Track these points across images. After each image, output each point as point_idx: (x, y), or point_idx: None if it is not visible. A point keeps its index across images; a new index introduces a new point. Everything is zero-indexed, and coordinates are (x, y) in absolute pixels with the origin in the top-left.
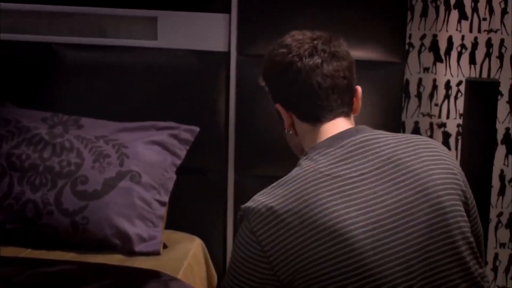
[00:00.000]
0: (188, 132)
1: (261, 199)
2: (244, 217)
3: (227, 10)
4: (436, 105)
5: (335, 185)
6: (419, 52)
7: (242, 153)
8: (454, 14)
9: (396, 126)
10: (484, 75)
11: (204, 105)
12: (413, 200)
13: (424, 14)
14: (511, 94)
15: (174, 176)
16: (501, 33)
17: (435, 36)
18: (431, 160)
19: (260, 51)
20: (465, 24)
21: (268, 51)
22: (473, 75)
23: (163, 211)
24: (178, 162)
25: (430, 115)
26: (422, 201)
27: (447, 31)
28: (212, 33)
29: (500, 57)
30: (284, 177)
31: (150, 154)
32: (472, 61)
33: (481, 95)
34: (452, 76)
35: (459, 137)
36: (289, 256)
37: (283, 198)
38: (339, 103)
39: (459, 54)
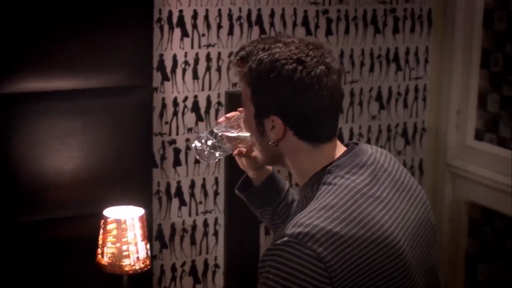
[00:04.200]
0: None
1: (317, 223)
2: (299, 244)
3: None
4: (166, 123)
5: (380, 206)
6: None
7: None
8: (177, 32)
9: (148, 149)
10: (206, 88)
11: None
12: (421, 216)
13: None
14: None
15: None
16: (218, 47)
17: (161, 55)
18: (410, 175)
19: (12, 87)
20: (187, 41)
21: (274, 61)
22: (196, 89)
23: None
24: None
25: (161, 134)
26: (425, 217)
27: (171, 49)
28: None
29: (219, 69)
30: (323, 198)
31: None
32: (195, 76)
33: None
34: (178, 93)
35: (188, 151)
36: (355, 283)
37: (342, 222)
38: (337, 124)
39: (184, 71)
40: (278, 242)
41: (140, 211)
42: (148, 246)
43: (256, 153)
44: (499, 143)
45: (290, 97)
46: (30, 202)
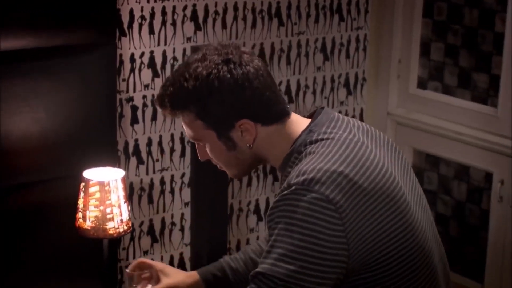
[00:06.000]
0: None
1: (320, 166)
2: (307, 190)
3: None
4: (124, 80)
5: (369, 149)
6: None
7: None
8: None
9: (113, 108)
10: (162, 43)
11: None
12: (398, 158)
13: None
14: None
15: None
16: (173, 1)
17: (118, 10)
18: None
19: None
20: None
21: (207, 77)
22: (152, 45)
23: None
24: None
25: (119, 92)
26: (402, 159)
27: (128, 3)
28: None
29: (174, 24)
30: (317, 150)
31: None
32: (151, 31)
33: None
34: (135, 48)
35: (145, 109)
36: (365, 222)
37: (343, 162)
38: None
39: (140, 26)
40: (285, 192)
41: (120, 172)
42: (129, 207)
43: (233, 173)
44: (444, 91)
45: (242, 95)
46: None
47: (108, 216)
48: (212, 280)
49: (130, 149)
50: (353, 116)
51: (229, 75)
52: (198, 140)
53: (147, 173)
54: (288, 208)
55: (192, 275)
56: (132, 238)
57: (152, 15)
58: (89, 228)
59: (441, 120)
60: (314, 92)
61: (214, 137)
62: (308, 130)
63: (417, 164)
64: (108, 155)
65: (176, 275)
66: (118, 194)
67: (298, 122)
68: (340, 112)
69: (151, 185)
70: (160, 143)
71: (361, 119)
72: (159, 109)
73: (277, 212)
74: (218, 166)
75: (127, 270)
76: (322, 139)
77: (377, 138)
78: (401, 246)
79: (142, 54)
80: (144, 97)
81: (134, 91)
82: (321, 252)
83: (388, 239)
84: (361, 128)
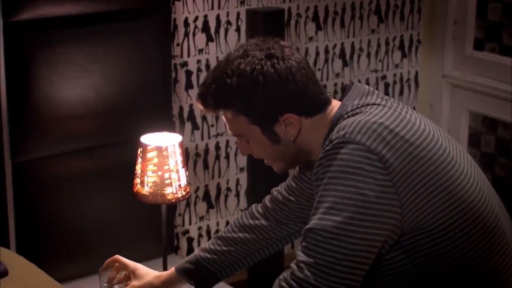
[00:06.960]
0: None
1: (360, 119)
2: (348, 142)
3: None
4: (178, 44)
5: (404, 110)
6: None
7: (19, 135)
8: None
9: (168, 73)
10: (215, 7)
11: None
12: (437, 126)
13: None
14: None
15: None
16: None
17: None
18: None
19: (32, 13)
20: None
21: (251, 73)
22: (206, 9)
23: None
24: None
25: (173, 56)
26: (440, 129)
27: None
28: None
29: None
30: (355, 113)
31: None
32: None
33: (266, 24)
34: (189, 13)
35: (199, 73)
36: (413, 173)
37: (382, 117)
38: None
39: None
40: (327, 148)
41: (177, 137)
42: (187, 172)
43: (278, 167)
44: (501, 52)
45: (286, 89)
46: (52, 133)
47: (166, 182)
48: (190, 274)
49: (185, 114)
50: (408, 79)
51: (273, 70)
52: (241, 136)
53: (202, 139)
54: (329, 162)
55: (159, 276)
56: (187, 204)
57: None
58: (147, 193)
59: (498, 81)
60: (368, 55)
61: (259, 132)
62: (342, 104)
63: (474, 127)
64: (163, 120)
65: (145, 277)
66: (176, 159)
67: (336, 104)
68: (395, 75)
69: (206, 150)
70: None
71: (416, 82)
72: (200, 108)
73: (321, 168)
74: (265, 162)
75: (100, 269)
76: (357, 108)
77: (408, 108)
78: (456, 202)
79: (196, 18)
80: (199, 61)
81: (189, 55)
82: (368, 202)
83: (440, 190)
84: (391, 99)
